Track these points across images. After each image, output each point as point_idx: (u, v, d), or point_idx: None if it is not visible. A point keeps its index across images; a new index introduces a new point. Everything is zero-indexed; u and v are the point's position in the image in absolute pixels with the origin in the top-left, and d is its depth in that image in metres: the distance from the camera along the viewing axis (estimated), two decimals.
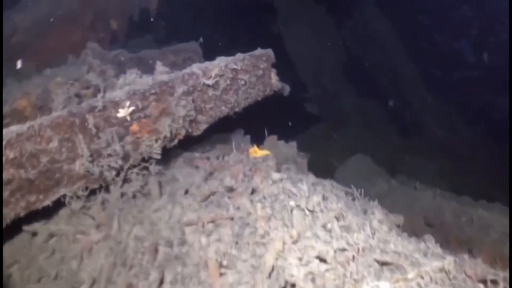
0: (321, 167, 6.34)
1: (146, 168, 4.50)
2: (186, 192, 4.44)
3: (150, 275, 3.64)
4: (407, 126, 12.22)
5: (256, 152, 5.07)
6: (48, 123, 3.98)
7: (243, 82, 5.33)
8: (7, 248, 4.23)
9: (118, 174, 4.38)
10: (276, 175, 4.27)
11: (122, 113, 4.30)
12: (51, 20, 8.32)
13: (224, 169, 4.69)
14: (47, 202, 4.11)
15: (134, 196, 4.40)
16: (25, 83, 5.01)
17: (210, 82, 4.89)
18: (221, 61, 5.12)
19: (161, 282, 3.62)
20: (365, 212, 4.17)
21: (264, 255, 3.37)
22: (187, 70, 4.85)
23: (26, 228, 4.26)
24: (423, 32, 11.94)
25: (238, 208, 4.02)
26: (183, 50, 6.49)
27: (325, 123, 11.76)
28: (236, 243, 3.68)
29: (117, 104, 4.30)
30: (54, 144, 4.01)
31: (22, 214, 3.99)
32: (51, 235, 4.21)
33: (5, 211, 3.87)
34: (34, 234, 4.30)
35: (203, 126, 5.04)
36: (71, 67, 5.29)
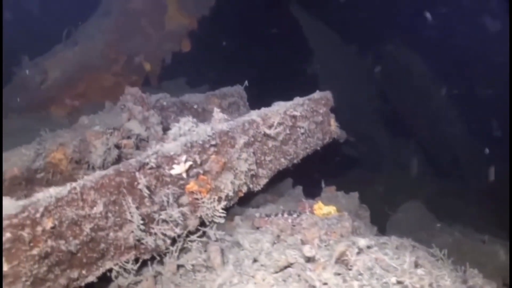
0: (373, 216, 5.43)
1: (204, 233, 3.58)
2: (255, 261, 3.50)
3: None
4: (446, 169, 11.26)
5: (321, 208, 4.17)
6: (92, 184, 3.16)
7: (302, 131, 4.50)
8: None
9: (173, 243, 3.46)
10: (362, 241, 3.35)
11: (177, 169, 3.47)
12: (82, 65, 7.54)
13: (294, 232, 3.76)
14: (91, 278, 3.28)
15: (193, 269, 3.45)
16: (59, 133, 4.16)
17: (271, 132, 4.02)
18: (280, 107, 4.27)
19: None
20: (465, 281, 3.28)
21: None
22: (246, 118, 4.00)
23: None
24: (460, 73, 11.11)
25: (325, 284, 3.08)
26: (228, 95, 5.71)
27: (363, 168, 10.86)
28: None
29: (171, 159, 3.47)
30: (99, 208, 3.19)
31: None
32: None
33: None
34: None
35: (264, 181, 4.21)
36: (108, 114, 4.44)
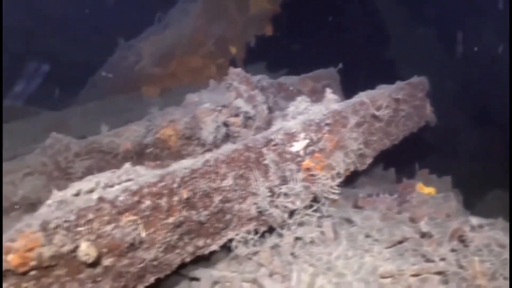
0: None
1: (317, 209, 3.55)
2: (367, 236, 3.48)
3: None
4: None
5: (423, 189, 4.07)
6: (224, 158, 3.17)
7: (403, 113, 4.41)
8: None
9: (291, 216, 3.44)
10: (474, 220, 3.28)
11: (297, 146, 3.43)
12: (172, 48, 7.64)
13: (402, 210, 3.71)
14: (214, 247, 3.32)
15: (309, 242, 3.43)
16: (169, 111, 4.22)
17: (379, 113, 3.94)
18: (385, 90, 4.19)
19: None
20: None
21: None
22: (356, 99, 3.93)
23: (184, 272, 3.39)
24: None
25: (443, 259, 3.04)
26: (322, 77, 5.64)
27: (442, 154, 10.39)
28: None
29: (292, 137, 3.43)
30: (228, 182, 3.21)
31: (188, 260, 3.14)
32: (215, 283, 3.31)
33: (171, 256, 3.03)
34: (194, 279, 3.41)
35: (369, 161, 4.17)
36: (213, 92, 4.46)
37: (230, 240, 3.42)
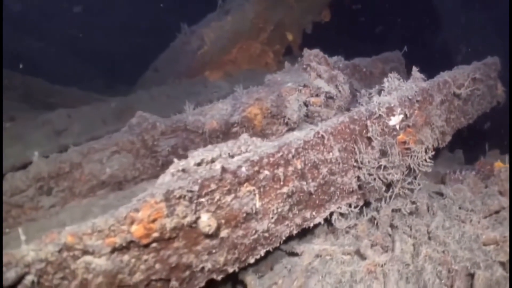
0: None
1: (411, 182, 3.07)
2: (460, 208, 3.00)
3: None
4: None
5: (500, 165, 3.59)
6: (331, 130, 2.68)
7: (478, 93, 3.89)
8: (265, 266, 2.92)
9: (387, 189, 2.96)
10: None
11: (393, 120, 2.94)
12: (234, 33, 7.10)
13: (489, 184, 3.25)
14: (319, 219, 2.84)
15: (407, 213, 2.96)
16: (252, 89, 3.73)
17: (460, 92, 3.43)
18: (464, 70, 3.67)
19: None
20: None
21: None
22: (439, 78, 3.44)
23: (284, 248, 2.93)
24: None
25: None
26: (389, 60, 5.14)
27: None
28: None
29: (391, 111, 2.94)
30: (335, 154, 2.74)
31: (295, 232, 2.67)
32: (317, 256, 2.85)
33: (281, 228, 2.58)
34: (293, 254, 2.94)
35: (448, 138, 3.66)
36: (290, 73, 3.95)
37: (330, 214, 2.97)
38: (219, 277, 2.48)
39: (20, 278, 2.01)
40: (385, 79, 3.18)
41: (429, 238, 2.80)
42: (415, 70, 3.35)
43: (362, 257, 2.79)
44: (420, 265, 2.63)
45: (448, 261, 2.58)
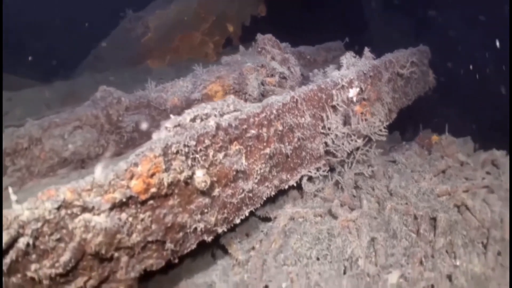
0: None
1: (369, 149, 3.43)
2: (412, 171, 3.43)
3: (436, 242, 2.73)
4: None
5: (436, 139, 4.13)
6: (303, 95, 2.91)
7: (415, 76, 4.38)
8: (240, 233, 3.08)
9: (349, 156, 3.29)
10: (499, 152, 3.51)
11: (351, 92, 3.26)
12: (177, 22, 7.08)
13: (434, 151, 3.74)
14: (292, 182, 3.04)
15: (368, 176, 3.31)
16: (212, 68, 3.86)
17: (403, 71, 3.89)
18: (404, 53, 4.16)
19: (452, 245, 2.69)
20: None
21: None
22: (385, 58, 3.86)
23: (259, 213, 3.12)
24: None
25: (483, 179, 3.20)
26: (332, 49, 5.50)
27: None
28: None
29: (350, 83, 3.26)
30: (306, 119, 2.98)
31: (273, 193, 2.87)
32: (291, 218, 3.07)
33: (262, 188, 2.78)
34: (266, 219, 3.15)
35: (394, 116, 4.06)
36: (245, 56, 4.16)
37: (300, 178, 3.20)
38: (209, 238, 2.57)
39: (14, 241, 1.93)
40: (343, 56, 3.52)
41: (391, 195, 3.17)
42: (366, 50, 3.73)
43: (334, 216, 3.06)
44: (387, 216, 2.96)
45: (411, 211, 2.95)
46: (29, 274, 1.94)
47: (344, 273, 2.67)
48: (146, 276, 2.57)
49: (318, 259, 2.78)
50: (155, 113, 3.66)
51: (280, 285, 2.67)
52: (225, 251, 3.02)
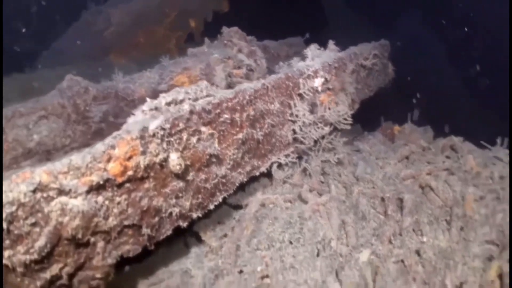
0: None
1: (335, 138, 3.59)
2: (377, 158, 3.62)
3: (403, 221, 2.90)
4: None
5: (398, 129, 4.37)
6: (273, 83, 3.02)
7: (377, 68, 4.60)
8: (213, 221, 3.15)
9: (315, 144, 3.44)
10: (457, 139, 3.86)
11: (317, 82, 3.42)
12: (140, 17, 7.03)
13: (396, 139, 3.98)
14: (263, 168, 3.15)
15: (335, 163, 3.48)
16: (179, 60, 3.93)
17: (366, 63, 4.10)
18: (367, 46, 4.37)
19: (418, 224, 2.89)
20: None
21: None
22: (349, 50, 4.05)
23: (230, 201, 3.21)
24: None
25: (444, 162, 3.46)
26: (293, 44, 5.67)
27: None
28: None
29: (316, 73, 3.41)
30: (276, 106, 3.08)
31: (245, 179, 2.97)
32: (262, 205, 3.17)
33: (235, 174, 2.88)
34: (238, 207, 3.24)
35: (356, 106, 4.23)
36: (211, 49, 4.25)
37: (270, 166, 3.31)
38: (185, 224, 2.63)
39: None
40: (307, 48, 3.67)
41: (357, 180, 3.35)
42: (331, 42, 3.91)
43: (304, 201, 3.20)
44: (355, 200, 3.12)
45: (378, 194, 3.14)
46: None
47: (318, 255, 2.80)
48: (122, 265, 2.61)
49: (291, 242, 2.89)
50: (123, 104, 3.68)
51: (255, 269, 2.76)
52: (198, 239, 3.08)
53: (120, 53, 6.91)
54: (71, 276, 2.25)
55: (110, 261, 2.34)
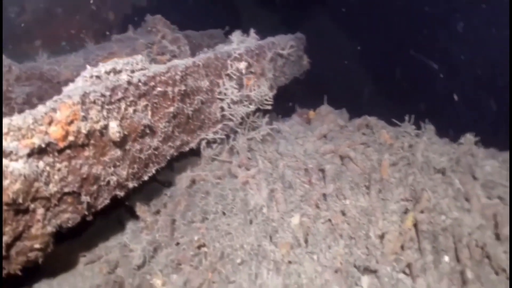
0: None
1: (257, 118, 3.96)
2: (296, 138, 4.05)
3: (327, 188, 3.30)
4: None
5: (313, 114, 4.86)
6: (203, 61, 3.30)
7: (292, 59, 5.05)
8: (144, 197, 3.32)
9: (241, 123, 3.77)
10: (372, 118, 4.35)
11: (241, 65, 3.76)
12: (56, 6, 6.82)
13: (313, 121, 4.41)
14: (192, 145, 3.39)
15: (260, 141, 3.82)
16: (104, 45, 4.05)
17: (283, 52, 4.53)
18: (284, 37, 4.82)
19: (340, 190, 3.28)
20: None
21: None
22: (268, 40, 4.45)
23: (160, 178, 3.41)
24: None
25: (361, 137, 3.96)
26: (214, 36, 5.93)
27: None
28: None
29: (241, 57, 3.75)
30: (205, 83, 3.35)
31: (175, 154, 3.21)
32: (193, 181, 3.41)
33: (166, 148, 3.10)
34: (169, 184, 3.45)
35: (274, 92, 4.61)
36: (136, 35, 4.43)
37: (199, 143, 3.54)
38: (122, 193, 2.78)
39: None
40: (233, 34, 4.00)
41: (281, 156, 3.72)
42: (252, 31, 4.27)
43: (234, 175, 3.48)
44: (281, 172, 3.48)
45: (301, 166, 3.52)
46: None
47: (251, 222, 3.08)
48: (59, 240, 2.68)
49: (224, 213, 3.15)
50: (47, 86, 3.70)
51: (192, 239, 2.98)
52: (133, 216, 3.22)
53: (34, 42, 6.70)
54: (8, 246, 2.30)
55: (49, 229, 2.41)
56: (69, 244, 2.89)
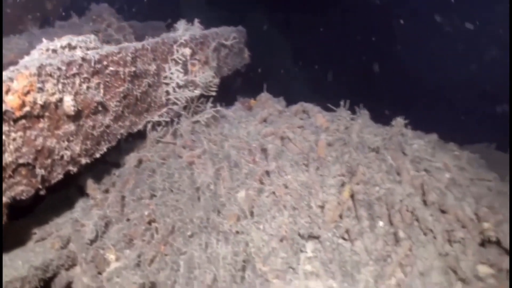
0: None
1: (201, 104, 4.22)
2: (239, 122, 4.35)
3: (269, 165, 3.58)
4: None
5: (254, 102, 5.19)
6: (152, 46, 3.52)
7: (235, 50, 5.36)
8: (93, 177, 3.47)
9: (186, 108, 4.01)
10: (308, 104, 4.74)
11: (186, 51, 4.02)
12: None
13: (255, 108, 4.76)
14: (140, 126, 3.59)
15: (204, 124, 4.08)
16: (49, 30, 4.15)
17: (228, 43, 4.84)
18: (227, 29, 5.12)
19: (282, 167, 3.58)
20: None
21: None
22: (212, 30, 4.73)
23: (109, 159, 3.57)
24: None
25: (299, 121, 4.29)
26: (156, 27, 6.08)
27: None
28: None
29: (186, 43, 4.00)
30: (153, 67, 3.57)
31: (125, 134, 3.40)
32: (139, 161, 3.60)
33: (116, 127, 3.28)
34: (116, 164, 3.61)
35: (217, 81, 4.84)
36: (81, 23, 4.54)
37: (145, 126, 3.74)
38: (75, 169, 2.92)
39: None
40: (178, 23, 4.23)
41: (226, 137, 3.99)
42: (196, 21, 4.52)
43: (179, 156, 3.71)
44: (226, 152, 3.75)
45: (245, 146, 3.81)
46: None
47: (199, 198, 3.32)
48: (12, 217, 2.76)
49: (172, 190, 3.37)
50: None
51: (142, 214, 3.17)
52: (81, 194, 3.35)
53: None
54: None
55: (4, 199, 2.52)
56: (19, 221, 2.97)
